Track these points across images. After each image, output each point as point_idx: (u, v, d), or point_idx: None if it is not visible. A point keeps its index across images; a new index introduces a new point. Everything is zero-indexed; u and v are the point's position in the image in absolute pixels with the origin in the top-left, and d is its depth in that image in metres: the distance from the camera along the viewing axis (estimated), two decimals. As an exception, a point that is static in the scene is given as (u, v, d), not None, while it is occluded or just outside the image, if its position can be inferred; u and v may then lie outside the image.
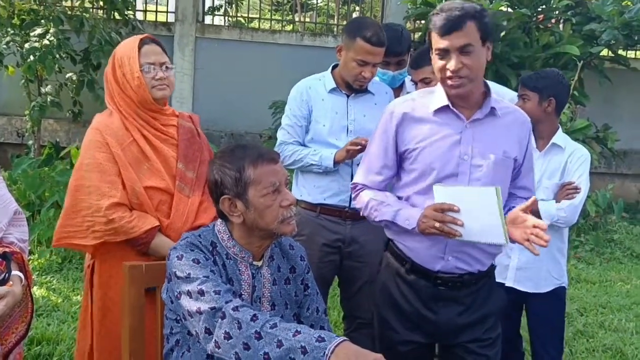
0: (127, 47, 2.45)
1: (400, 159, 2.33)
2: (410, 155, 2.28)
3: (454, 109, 2.24)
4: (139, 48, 2.42)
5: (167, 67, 2.45)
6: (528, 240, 2.09)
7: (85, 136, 2.45)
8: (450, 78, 2.16)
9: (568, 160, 2.95)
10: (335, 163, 2.87)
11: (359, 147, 2.72)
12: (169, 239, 2.38)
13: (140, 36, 2.50)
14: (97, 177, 2.35)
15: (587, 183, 2.97)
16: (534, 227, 2.08)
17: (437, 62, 2.19)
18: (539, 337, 3.06)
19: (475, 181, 2.22)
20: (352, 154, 2.80)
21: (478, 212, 2.09)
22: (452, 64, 2.14)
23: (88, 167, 2.37)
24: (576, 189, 2.88)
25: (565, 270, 3.06)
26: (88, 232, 2.36)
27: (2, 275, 1.88)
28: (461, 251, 2.27)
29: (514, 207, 2.25)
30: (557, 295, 3.03)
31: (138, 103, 2.42)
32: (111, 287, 2.40)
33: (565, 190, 2.90)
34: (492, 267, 2.41)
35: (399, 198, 2.35)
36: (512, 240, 2.15)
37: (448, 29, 2.12)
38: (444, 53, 2.15)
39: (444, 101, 2.24)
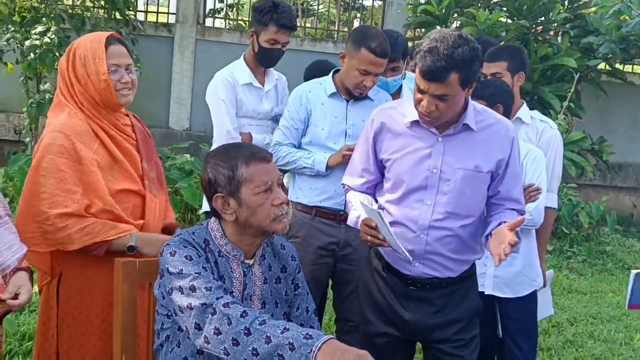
0: (92, 45, 2.26)
1: (383, 166, 2.39)
2: (386, 165, 2.36)
3: (425, 125, 2.28)
4: (105, 48, 2.25)
5: (131, 70, 2.32)
6: (498, 255, 2.08)
7: (47, 137, 2.23)
8: (422, 112, 2.20)
9: (524, 162, 2.93)
10: (328, 167, 2.90)
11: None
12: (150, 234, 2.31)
13: (106, 34, 2.31)
14: (54, 184, 2.18)
15: (545, 180, 2.97)
16: (509, 244, 2.07)
17: (415, 93, 2.21)
18: (516, 342, 3.05)
19: (444, 194, 2.27)
20: (347, 160, 2.82)
21: (382, 229, 2.19)
22: (424, 104, 2.16)
23: (45, 172, 2.18)
24: (538, 190, 2.90)
25: (540, 271, 3.07)
26: (42, 239, 2.21)
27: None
28: (428, 259, 2.32)
29: (505, 222, 2.24)
30: (531, 298, 3.05)
31: (100, 103, 2.29)
32: (85, 294, 2.30)
33: (527, 193, 2.88)
34: (469, 273, 2.42)
35: (376, 201, 2.41)
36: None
37: (430, 77, 2.11)
38: (422, 92, 2.16)
39: (416, 116, 2.27)
